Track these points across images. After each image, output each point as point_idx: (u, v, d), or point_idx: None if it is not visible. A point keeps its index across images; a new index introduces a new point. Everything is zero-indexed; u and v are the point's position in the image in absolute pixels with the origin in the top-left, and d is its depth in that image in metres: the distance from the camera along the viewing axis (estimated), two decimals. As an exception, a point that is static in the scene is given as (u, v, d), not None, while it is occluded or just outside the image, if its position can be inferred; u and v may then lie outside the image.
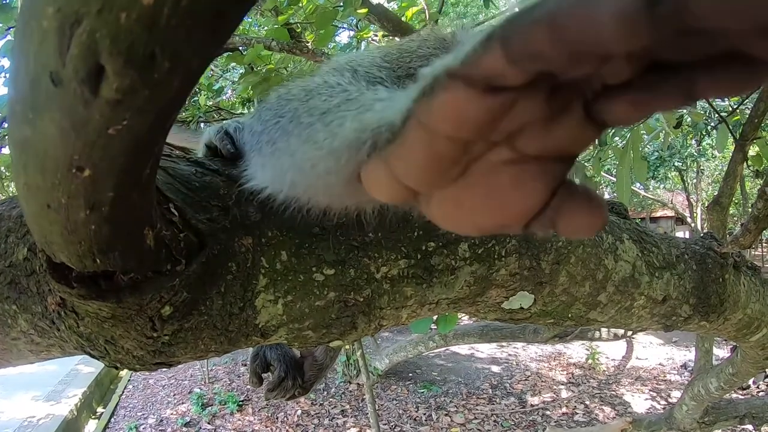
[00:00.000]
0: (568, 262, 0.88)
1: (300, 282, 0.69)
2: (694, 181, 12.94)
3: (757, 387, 6.69)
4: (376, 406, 5.11)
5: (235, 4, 0.29)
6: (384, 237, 0.73)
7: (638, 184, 9.43)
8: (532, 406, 6.67)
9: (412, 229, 0.75)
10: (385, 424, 6.12)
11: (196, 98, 4.39)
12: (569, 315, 0.98)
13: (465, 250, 0.77)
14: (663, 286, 1.12)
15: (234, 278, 0.66)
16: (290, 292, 0.69)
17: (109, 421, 6.72)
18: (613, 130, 4.51)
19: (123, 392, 7.68)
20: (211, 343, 0.70)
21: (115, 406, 7.19)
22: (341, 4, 2.95)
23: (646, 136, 3.68)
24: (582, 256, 0.91)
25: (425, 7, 3.06)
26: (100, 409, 7.28)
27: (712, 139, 8.85)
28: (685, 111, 3.65)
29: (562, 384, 7.49)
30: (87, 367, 7.95)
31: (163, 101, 0.31)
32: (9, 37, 3.06)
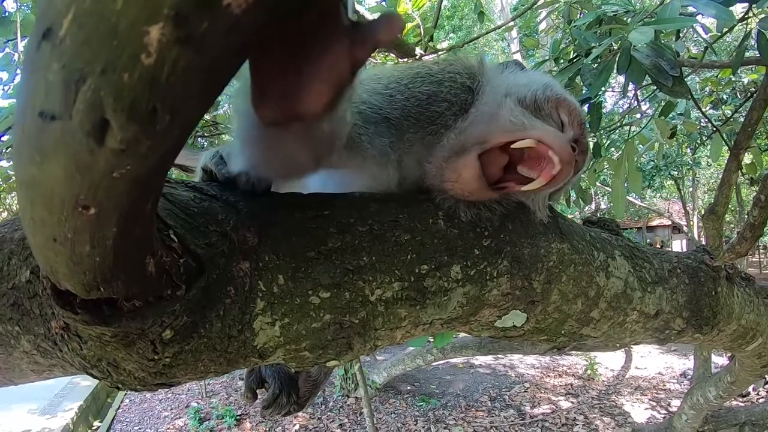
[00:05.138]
0: (559, 281, 0.90)
1: (297, 305, 0.71)
2: (690, 189, 13.00)
3: (758, 393, 6.67)
4: (375, 420, 5.09)
5: (228, 62, 0.31)
6: (378, 261, 0.75)
7: (634, 195, 9.47)
8: (531, 417, 6.64)
9: (405, 253, 0.77)
10: (384, 438, 6.09)
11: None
12: (562, 331, 0.99)
13: (457, 272, 0.79)
14: (655, 301, 1.13)
15: (232, 302, 0.68)
16: (287, 314, 0.70)
17: (105, 435, 6.68)
18: (608, 142, 4.54)
19: (119, 406, 7.64)
20: (211, 365, 0.71)
21: (112, 421, 7.14)
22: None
23: (641, 147, 3.70)
24: (573, 274, 0.92)
25: (420, 23, 3.11)
26: (96, 423, 7.22)
27: (706, 148, 8.90)
28: (679, 122, 3.68)
29: (561, 395, 7.47)
30: (84, 381, 7.88)
31: (164, 148, 0.33)
32: (7, 50, 3.10)
